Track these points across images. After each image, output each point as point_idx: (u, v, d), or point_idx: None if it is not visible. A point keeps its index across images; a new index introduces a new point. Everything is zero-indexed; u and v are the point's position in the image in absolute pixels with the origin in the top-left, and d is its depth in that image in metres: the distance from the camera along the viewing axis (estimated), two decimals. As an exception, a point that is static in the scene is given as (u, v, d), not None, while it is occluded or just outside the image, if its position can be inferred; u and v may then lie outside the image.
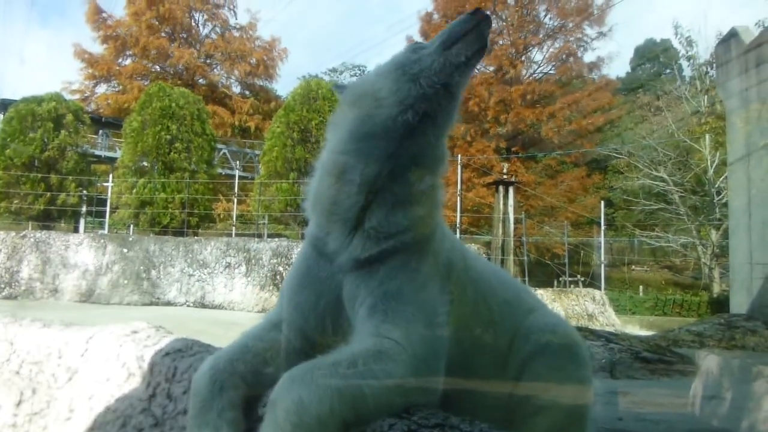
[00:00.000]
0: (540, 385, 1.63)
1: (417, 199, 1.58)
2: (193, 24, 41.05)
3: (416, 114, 1.55)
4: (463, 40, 1.58)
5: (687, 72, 31.98)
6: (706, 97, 27.26)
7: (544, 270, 27.51)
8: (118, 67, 38.79)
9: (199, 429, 1.48)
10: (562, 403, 1.62)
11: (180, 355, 2.06)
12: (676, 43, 30.71)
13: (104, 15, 38.12)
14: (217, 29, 41.59)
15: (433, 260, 1.55)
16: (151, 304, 14.66)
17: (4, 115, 25.85)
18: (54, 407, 2.56)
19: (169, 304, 14.73)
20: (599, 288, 19.53)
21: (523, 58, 33.83)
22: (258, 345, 1.63)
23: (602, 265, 22.15)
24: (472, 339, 1.63)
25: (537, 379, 1.64)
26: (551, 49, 33.69)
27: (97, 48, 38.62)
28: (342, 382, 1.26)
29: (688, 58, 29.00)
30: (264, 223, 22.43)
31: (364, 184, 1.55)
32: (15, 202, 22.39)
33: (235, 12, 41.80)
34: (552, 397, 1.62)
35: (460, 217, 20.81)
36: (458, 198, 20.20)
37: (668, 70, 41.43)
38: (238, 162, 33.78)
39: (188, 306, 14.64)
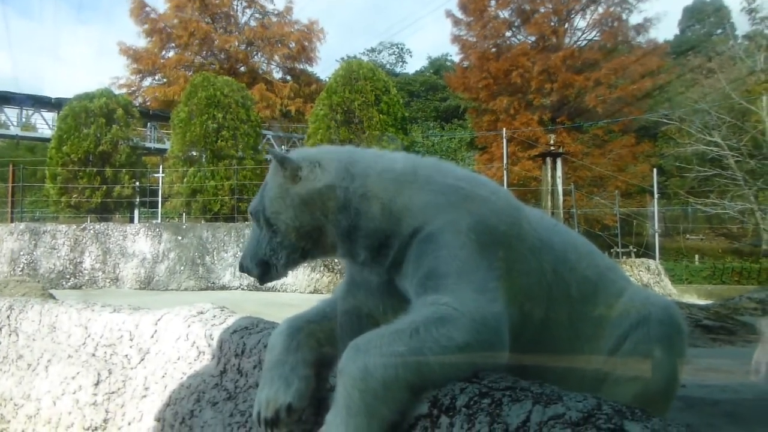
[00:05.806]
0: (640, 354, 1.63)
1: (368, 208, 1.62)
2: (232, 12, 41.42)
3: None
4: None
5: (741, 30, 30.44)
6: (764, 55, 25.93)
7: (596, 241, 26.63)
8: (162, 60, 39.58)
9: (272, 381, 1.56)
10: (656, 372, 1.62)
11: (247, 332, 2.13)
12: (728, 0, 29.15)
13: (148, 9, 38.95)
14: (257, 15, 41.91)
15: (455, 235, 1.50)
16: (207, 288, 15.05)
17: (59, 113, 26.76)
18: (130, 386, 2.68)
19: (223, 288, 15.09)
20: (653, 258, 19.03)
21: (566, 25, 32.79)
22: (334, 312, 1.70)
23: (656, 235, 21.54)
24: (545, 312, 1.63)
25: (638, 348, 1.64)
26: (594, 15, 32.48)
27: (142, 42, 39.55)
28: (405, 348, 1.28)
29: (750, 11, 27.37)
30: (311, 206, 22.60)
31: None
32: (74, 196, 23.24)
33: (272, -3, 42.02)
34: (648, 366, 1.61)
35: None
36: (504, 172, 19.95)
37: (719, 30, 39.53)
38: (283, 146, 34.16)
39: (242, 289, 14.95)
